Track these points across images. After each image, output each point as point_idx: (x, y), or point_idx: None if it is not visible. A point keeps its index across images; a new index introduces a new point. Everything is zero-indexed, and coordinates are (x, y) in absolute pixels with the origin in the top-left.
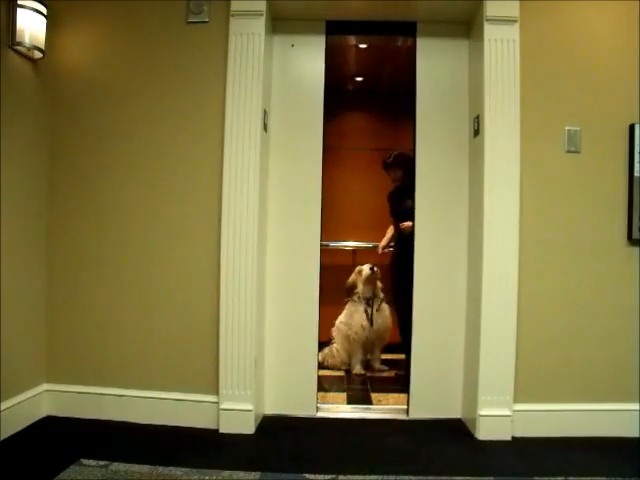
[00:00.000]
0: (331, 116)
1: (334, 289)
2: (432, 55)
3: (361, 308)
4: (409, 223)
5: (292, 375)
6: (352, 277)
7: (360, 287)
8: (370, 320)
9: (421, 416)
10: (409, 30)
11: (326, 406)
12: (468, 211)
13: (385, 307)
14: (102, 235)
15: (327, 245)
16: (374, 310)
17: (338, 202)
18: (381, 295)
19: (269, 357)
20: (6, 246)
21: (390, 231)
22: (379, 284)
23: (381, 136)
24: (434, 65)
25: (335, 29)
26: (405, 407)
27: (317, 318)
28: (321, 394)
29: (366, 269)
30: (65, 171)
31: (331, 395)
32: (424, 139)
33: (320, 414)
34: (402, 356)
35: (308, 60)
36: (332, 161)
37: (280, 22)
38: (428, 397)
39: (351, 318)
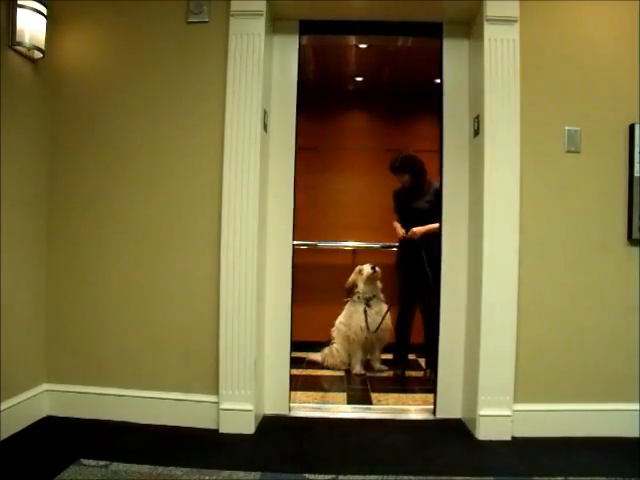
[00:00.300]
0: (333, 116)
1: (330, 289)
2: (458, 56)
3: (360, 308)
4: (420, 229)
5: (267, 375)
6: (352, 277)
7: (361, 287)
8: (367, 321)
9: (448, 416)
10: (407, 30)
11: (298, 405)
12: (468, 211)
13: (384, 307)
14: (102, 234)
15: (315, 245)
16: (373, 311)
17: (332, 202)
18: (381, 296)
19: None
20: (6, 245)
21: (399, 227)
22: (379, 284)
23: (381, 136)
24: (459, 66)
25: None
26: (432, 407)
27: (290, 318)
28: (321, 394)
29: (367, 268)
30: (65, 171)
31: (331, 395)
32: (450, 140)
33: (293, 413)
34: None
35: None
36: (324, 161)
37: (280, 22)
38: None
39: (350, 319)
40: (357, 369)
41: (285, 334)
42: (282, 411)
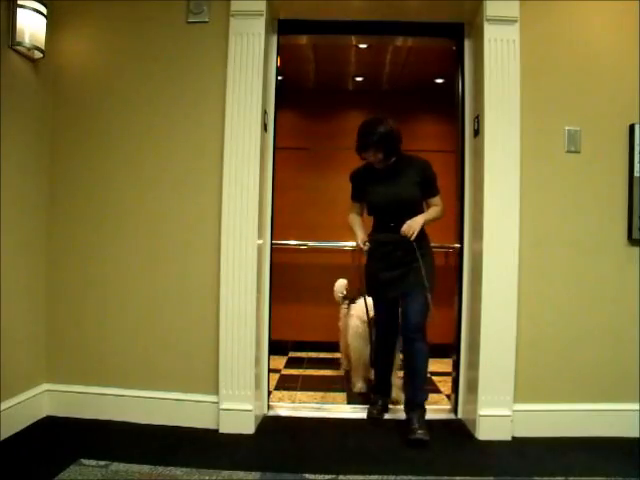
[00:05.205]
0: (335, 116)
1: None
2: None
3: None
4: (415, 224)
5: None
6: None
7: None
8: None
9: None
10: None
11: (279, 404)
12: (467, 211)
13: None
14: (102, 235)
15: (305, 245)
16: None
17: (333, 202)
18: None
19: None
20: (6, 246)
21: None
22: None
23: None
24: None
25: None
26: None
27: (267, 319)
28: (321, 394)
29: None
30: (65, 171)
31: (331, 395)
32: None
33: (272, 412)
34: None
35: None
36: (325, 161)
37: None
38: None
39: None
40: (358, 387)
41: (262, 335)
42: (262, 410)
